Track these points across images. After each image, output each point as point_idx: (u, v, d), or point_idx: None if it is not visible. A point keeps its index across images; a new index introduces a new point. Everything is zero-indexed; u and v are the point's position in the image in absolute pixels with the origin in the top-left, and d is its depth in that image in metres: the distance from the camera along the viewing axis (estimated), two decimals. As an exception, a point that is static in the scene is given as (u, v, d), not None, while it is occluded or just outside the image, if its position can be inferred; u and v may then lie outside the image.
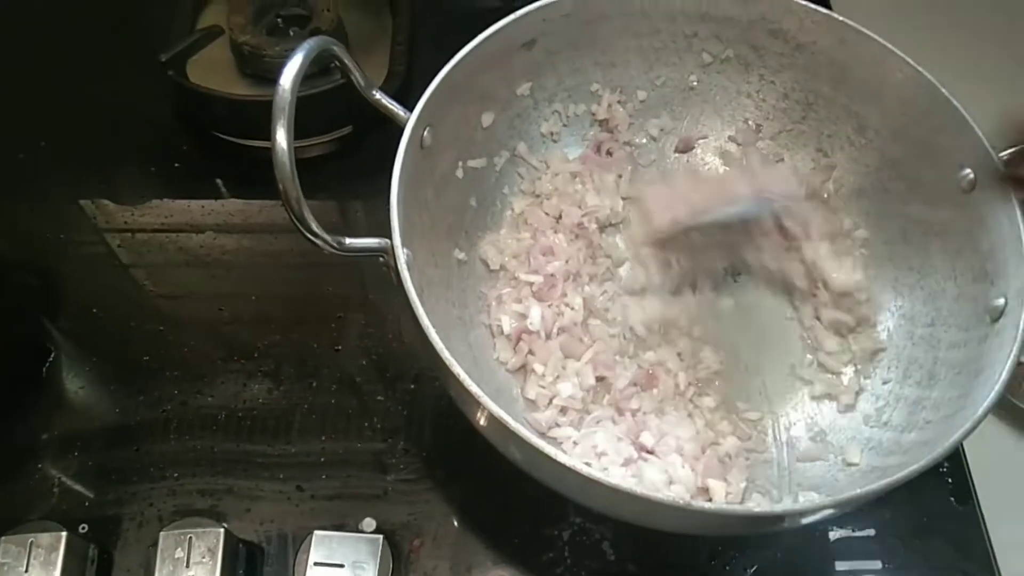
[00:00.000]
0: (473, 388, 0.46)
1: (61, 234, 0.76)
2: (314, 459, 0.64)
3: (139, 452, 0.65)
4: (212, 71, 0.82)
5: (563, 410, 0.60)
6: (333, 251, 0.50)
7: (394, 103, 0.57)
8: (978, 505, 0.64)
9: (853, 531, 0.61)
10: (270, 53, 0.80)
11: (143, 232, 0.77)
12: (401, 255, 0.50)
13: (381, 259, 0.52)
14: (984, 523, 0.63)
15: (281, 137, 0.46)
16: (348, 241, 0.51)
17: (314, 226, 0.48)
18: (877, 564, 0.60)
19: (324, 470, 0.64)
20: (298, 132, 0.75)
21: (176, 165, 0.81)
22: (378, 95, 0.57)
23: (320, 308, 0.72)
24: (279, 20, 0.85)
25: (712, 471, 0.56)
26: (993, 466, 0.65)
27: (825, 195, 0.69)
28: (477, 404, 0.46)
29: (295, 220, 0.47)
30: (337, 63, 0.54)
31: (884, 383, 0.61)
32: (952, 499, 0.64)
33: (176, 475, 0.63)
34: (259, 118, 0.75)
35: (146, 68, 0.79)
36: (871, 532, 0.62)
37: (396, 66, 0.83)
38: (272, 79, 0.78)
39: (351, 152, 0.82)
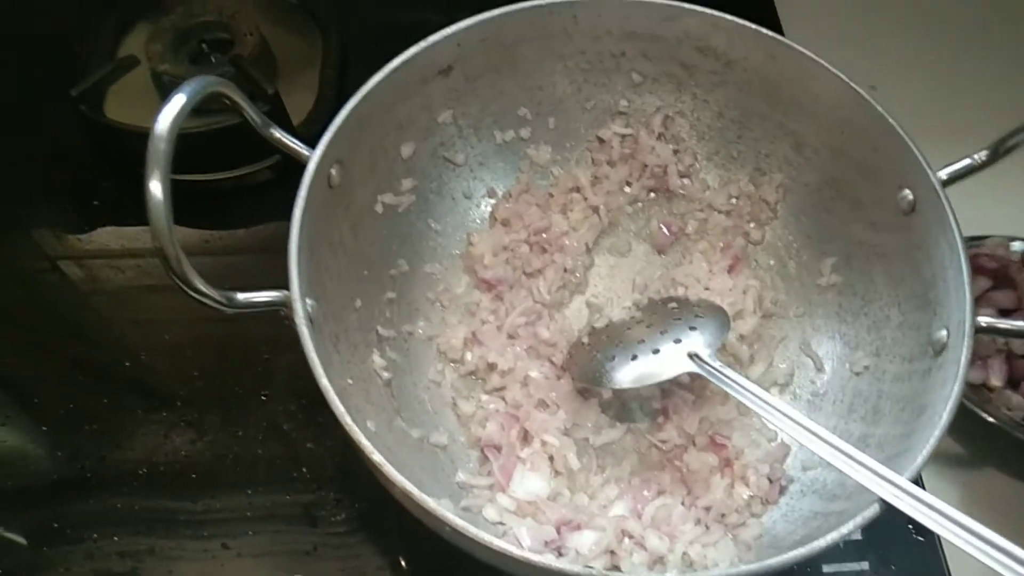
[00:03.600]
0: (376, 457, 0.43)
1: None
2: (240, 514, 0.61)
3: (56, 512, 0.61)
4: (135, 102, 0.79)
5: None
6: (224, 309, 0.46)
7: (295, 141, 0.53)
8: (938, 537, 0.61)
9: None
10: (190, 82, 0.76)
11: (57, 274, 0.73)
12: (300, 310, 0.47)
13: (281, 312, 0.49)
14: (944, 556, 0.60)
15: (156, 189, 0.43)
16: (240, 297, 0.47)
17: (198, 284, 0.44)
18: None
19: (251, 525, 0.61)
20: (226, 162, 0.76)
21: (95, 203, 0.77)
22: (277, 133, 0.53)
23: (245, 350, 0.69)
24: (203, 45, 0.82)
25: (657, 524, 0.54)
26: (954, 491, 0.63)
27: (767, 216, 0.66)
28: (385, 477, 0.43)
29: (176, 279, 0.44)
30: (227, 101, 0.50)
31: (829, 418, 0.58)
32: (910, 526, 0.61)
33: (95, 536, 0.60)
34: (179, 151, 0.75)
35: (63, 102, 0.75)
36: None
37: (325, 90, 0.80)
38: (195, 108, 0.77)
39: (286, 178, 0.78)
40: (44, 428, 0.65)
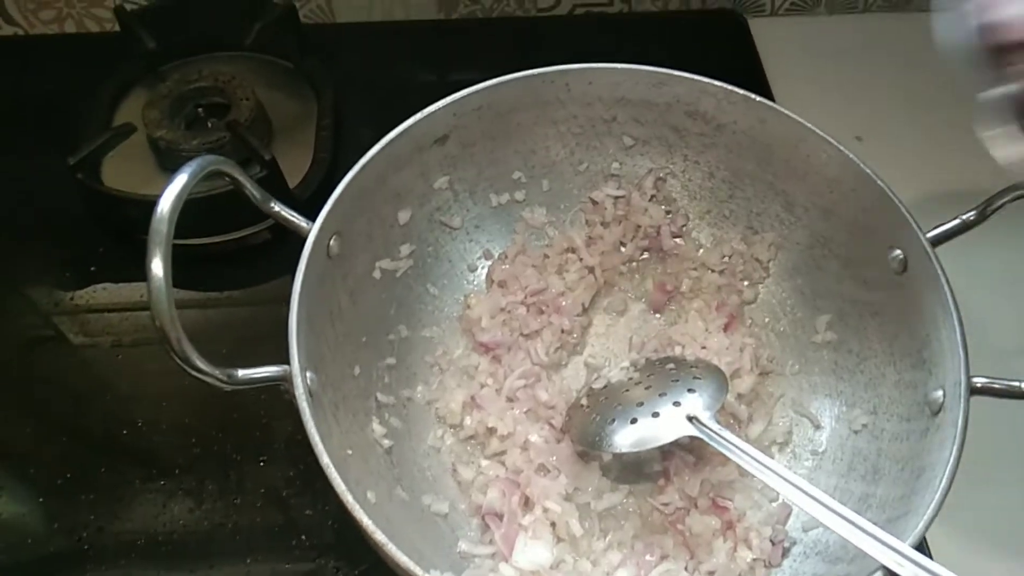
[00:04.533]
0: (379, 536, 0.43)
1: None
2: (239, 585, 0.60)
3: (52, 587, 0.60)
4: (132, 167, 0.80)
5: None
6: (225, 387, 0.46)
7: (294, 215, 0.54)
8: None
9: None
10: (187, 147, 0.78)
11: (52, 341, 0.74)
12: (301, 386, 0.47)
13: (282, 387, 0.49)
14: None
15: (158, 268, 0.43)
16: (241, 373, 0.47)
17: (199, 363, 0.44)
18: None
19: (249, 596, 0.60)
20: (225, 225, 0.76)
21: (92, 270, 0.77)
22: (276, 207, 0.54)
23: (243, 414, 0.68)
24: (199, 110, 0.83)
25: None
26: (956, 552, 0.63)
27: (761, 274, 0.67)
28: (386, 554, 0.42)
29: (178, 360, 0.44)
30: (228, 178, 0.51)
31: (830, 477, 0.58)
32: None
33: (92, 610, 0.59)
34: (179, 216, 0.75)
35: (61, 170, 0.76)
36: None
37: (320, 152, 0.81)
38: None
39: (283, 239, 0.78)
40: (40, 499, 0.64)
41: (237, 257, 0.78)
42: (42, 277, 0.78)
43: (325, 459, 0.45)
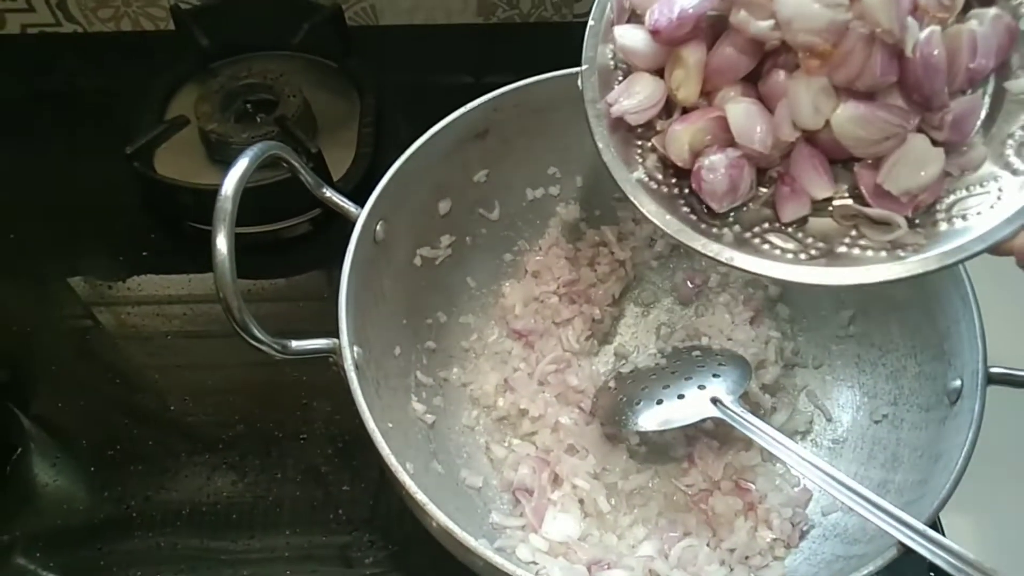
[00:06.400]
0: (420, 496, 0.45)
1: (29, 326, 0.76)
2: (278, 554, 0.63)
3: (102, 551, 0.64)
4: (182, 158, 0.84)
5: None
6: (278, 355, 0.49)
7: (344, 200, 0.57)
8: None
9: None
10: (236, 140, 0.81)
11: (111, 322, 0.77)
12: (349, 357, 0.50)
13: (331, 359, 0.52)
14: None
15: (222, 244, 0.46)
16: (294, 344, 0.50)
17: (257, 333, 0.48)
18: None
19: (288, 565, 0.63)
20: (270, 216, 0.80)
21: (144, 254, 0.81)
22: (328, 193, 0.57)
23: (285, 395, 0.71)
24: (247, 106, 0.87)
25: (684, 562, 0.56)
26: (975, 538, 0.64)
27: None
28: (426, 514, 0.45)
29: (237, 328, 0.47)
30: (285, 164, 0.54)
31: (849, 464, 0.60)
32: (932, 574, 0.62)
33: (138, 574, 0.62)
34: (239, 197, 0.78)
35: (116, 159, 0.80)
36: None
37: (363, 148, 0.84)
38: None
39: (323, 231, 0.82)
40: (92, 469, 0.68)
41: (278, 247, 0.81)
42: (95, 264, 0.82)
43: (371, 424, 0.47)
